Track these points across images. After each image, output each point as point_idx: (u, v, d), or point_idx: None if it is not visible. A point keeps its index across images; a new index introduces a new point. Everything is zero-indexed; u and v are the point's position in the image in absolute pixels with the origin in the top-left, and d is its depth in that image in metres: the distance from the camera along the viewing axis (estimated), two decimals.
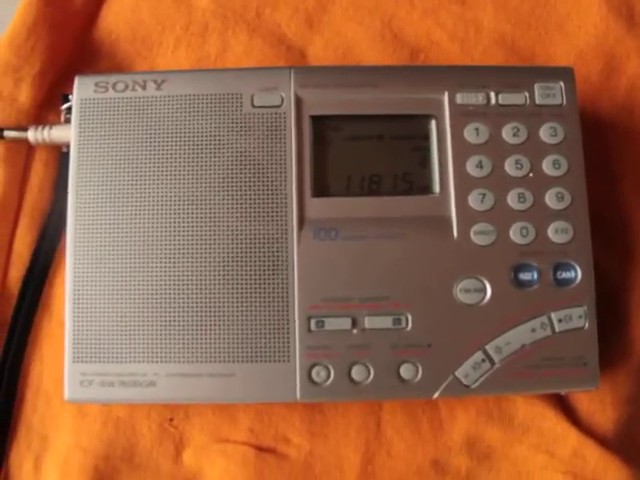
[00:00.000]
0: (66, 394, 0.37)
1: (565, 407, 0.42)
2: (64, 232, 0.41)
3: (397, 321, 0.37)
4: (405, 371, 0.37)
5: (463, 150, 0.39)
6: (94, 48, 0.46)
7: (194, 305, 0.37)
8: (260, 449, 0.41)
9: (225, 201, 0.38)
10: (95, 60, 0.45)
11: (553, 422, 0.41)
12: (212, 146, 0.38)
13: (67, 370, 0.37)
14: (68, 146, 0.39)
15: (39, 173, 0.44)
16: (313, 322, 0.37)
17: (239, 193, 0.38)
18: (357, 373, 0.37)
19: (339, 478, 0.41)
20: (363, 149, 0.39)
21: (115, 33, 0.46)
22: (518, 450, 0.41)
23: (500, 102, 0.39)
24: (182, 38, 0.46)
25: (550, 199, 0.38)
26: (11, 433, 0.41)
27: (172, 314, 0.37)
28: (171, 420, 0.41)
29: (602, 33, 0.46)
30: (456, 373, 0.37)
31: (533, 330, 0.37)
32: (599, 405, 0.41)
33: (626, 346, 0.42)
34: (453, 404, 0.42)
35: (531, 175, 0.38)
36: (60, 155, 0.43)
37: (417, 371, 0.37)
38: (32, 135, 0.41)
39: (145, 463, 0.41)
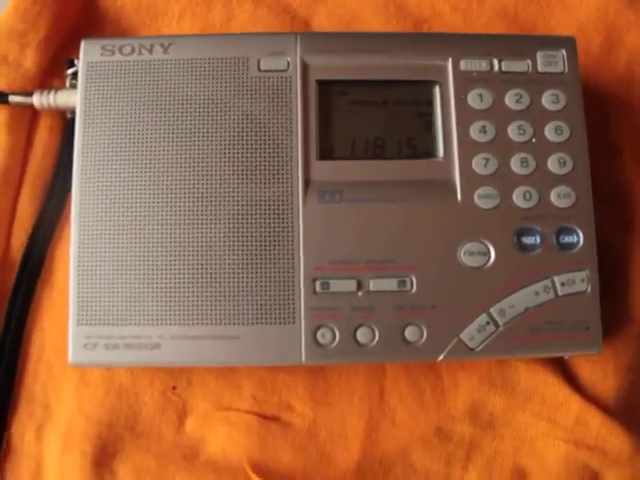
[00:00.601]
0: (70, 357, 0.37)
1: (567, 375, 0.42)
2: (68, 199, 0.41)
3: (402, 283, 0.37)
4: (410, 333, 0.37)
5: (467, 115, 0.39)
6: (99, 16, 0.46)
7: (199, 267, 0.37)
8: (263, 417, 0.41)
9: (231, 164, 0.38)
10: (100, 28, 0.45)
11: (555, 389, 0.41)
12: (219, 109, 0.38)
13: (71, 333, 0.37)
14: (73, 112, 0.40)
15: (43, 139, 0.43)
16: (318, 284, 0.37)
17: (245, 156, 0.38)
18: (362, 335, 0.37)
19: (343, 446, 0.41)
20: (368, 114, 0.39)
21: (121, 1, 0.46)
22: (521, 417, 0.41)
23: (503, 69, 0.39)
24: (187, 7, 0.46)
25: (552, 164, 0.39)
26: (13, 402, 0.41)
27: (177, 276, 0.37)
28: (174, 388, 0.41)
29: (603, 5, 0.46)
30: (461, 336, 0.37)
31: (536, 293, 0.37)
32: (601, 373, 0.41)
33: (627, 314, 0.42)
34: (455, 372, 0.42)
35: (534, 140, 0.39)
36: (64, 121, 0.43)
37: (422, 333, 0.37)
38: (37, 100, 0.41)
39: (148, 431, 0.41)
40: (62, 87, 0.42)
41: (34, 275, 0.42)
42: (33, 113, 0.43)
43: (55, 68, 0.44)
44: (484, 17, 0.46)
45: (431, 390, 0.42)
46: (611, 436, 0.40)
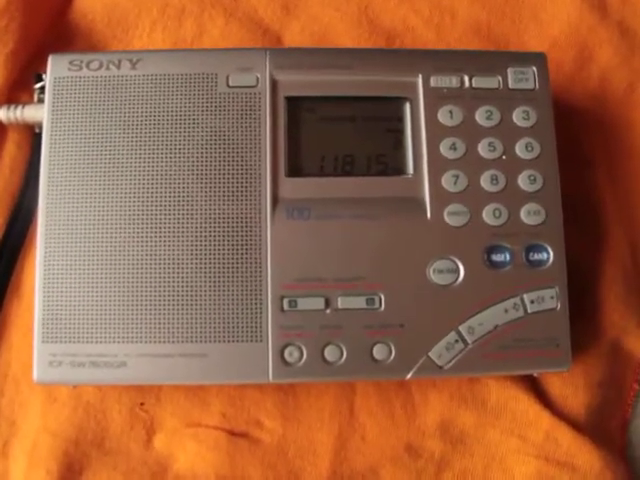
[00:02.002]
0: (35, 375, 0.36)
1: (538, 391, 0.42)
2: (36, 215, 0.41)
3: (370, 301, 0.37)
4: (378, 351, 0.37)
5: (437, 132, 0.39)
6: (69, 29, 0.45)
7: (166, 284, 0.37)
8: (232, 433, 0.40)
9: (199, 180, 0.37)
10: (70, 42, 0.45)
11: (525, 406, 0.41)
12: (187, 126, 0.38)
13: (36, 350, 0.36)
14: (41, 127, 0.39)
15: (11, 154, 0.43)
16: (286, 302, 0.37)
17: (213, 172, 0.37)
18: (330, 353, 0.37)
19: (312, 462, 0.40)
20: (337, 130, 0.39)
21: (91, 14, 0.46)
22: (491, 434, 0.41)
23: (474, 85, 0.39)
24: (158, 21, 0.46)
25: (523, 181, 0.39)
26: None
27: (144, 293, 0.36)
28: (142, 404, 0.41)
29: (575, 22, 0.47)
30: (429, 354, 0.37)
31: (506, 311, 0.37)
32: (571, 388, 0.42)
33: (597, 330, 0.42)
34: (426, 388, 0.42)
35: (504, 157, 0.39)
36: (33, 136, 0.43)
37: (390, 351, 0.37)
38: (4, 114, 0.41)
39: (116, 448, 0.40)
40: (30, 102, 0.41)
41: (1, 290, 0.42)
42: (0, 128, 0.43)
43: (24, 82, 0.43)
44: (457, 32, 0.46)
45: (401, 406, 0.41)
46: (581, 452, 0.40)
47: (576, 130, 0.45)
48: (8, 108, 0.41)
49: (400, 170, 0.39)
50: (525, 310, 0.38)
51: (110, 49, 0.45)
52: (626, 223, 0.44)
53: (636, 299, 0.43)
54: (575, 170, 0.44)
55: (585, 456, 0.40)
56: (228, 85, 0.38)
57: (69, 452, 0.40)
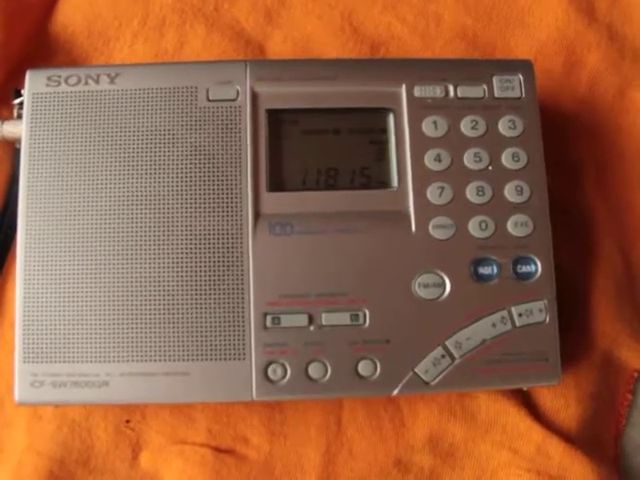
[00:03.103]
0: (16, 396, 0.36)
1: (529, 403, 0.41)
2: None
3: (354, 317, 0.36)
4: (363, 368, 0.36)
5: (421, 143, 0.38)
6: (50, 42, 0.45)
7: (147, 302, 0.36)
8: (218, 450, 0.40)
9: (180, 196, 0.37)
10: (51, 55, 0.45)
11: (516, 419, 0.40)
12: (167, 140, 0.37)
13: (17, 371, 0.36)
14: (21, 143, 0.39)
15: None
16: (269, 319, 0.36)
17: (194, 188, 0.37)
18: (314, 370, 0.36)
19: (300, 479, 0.40)
20: (320, 143, 0.39)
21: (71, 27, 0.45)
22: (482, 447, 0.40)
23: (459, 95, 0.39)
24: (139, 32, 0.45)
25: (509, 192, 0.38)
26: None
27: (125, 312, 0.36)
28: (128, 422, 0.40)
29: (563, 26, 0.46)
30: (416, 369, 0.36)
31: (493, 325, 0.37)
32: (563, 401, 0.41)
33: (588, 341, 0.42)
34: (415, 402, 0.41)
35: (490, 168, 0.38)
36: (14, 152, 0.42)
37: (375, 368, 0.36)
38: None
39: (101, 466, 0.40)
40: (10, 117, 0.41)
41: None
42: None
43: (4, 97, 0.42)
44: (443, 39, 0.46)
45: (390, 420, 0.41)
46: (573, 465, 0.40)
47: (565, 136, 0.45)
48: None
49: (384, 183, 0.38)
50: (513, 323, 0.37)
51: (91, 61, 0.45)
52: (617, 231, 0.43)
53: (628, 308, 0.42)
54: (564, 177, 0.43)
55: (577, 469, 0.39)
56: (208, 99, 0.38)
57: (54, 471, 0.39)
